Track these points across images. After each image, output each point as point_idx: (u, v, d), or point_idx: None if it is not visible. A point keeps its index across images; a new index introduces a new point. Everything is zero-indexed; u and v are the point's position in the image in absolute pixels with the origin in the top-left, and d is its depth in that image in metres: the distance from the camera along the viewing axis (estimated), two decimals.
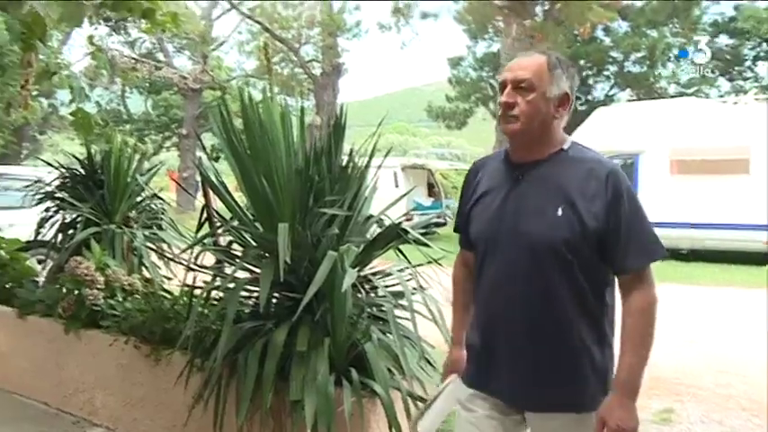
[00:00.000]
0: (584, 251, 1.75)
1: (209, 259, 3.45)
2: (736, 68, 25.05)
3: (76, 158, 5.54)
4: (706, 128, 12.39)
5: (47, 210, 5.28)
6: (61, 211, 5.21)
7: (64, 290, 4.15)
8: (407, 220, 4.27)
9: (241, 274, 3.13)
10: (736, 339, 6.42)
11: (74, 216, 5.11)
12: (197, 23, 23.69)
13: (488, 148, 18.75)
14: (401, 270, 3.19)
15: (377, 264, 3.34)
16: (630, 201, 1.76)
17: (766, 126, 11.55)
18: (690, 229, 12.06)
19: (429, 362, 3.03)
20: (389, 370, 2.87)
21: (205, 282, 3.26)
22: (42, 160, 6.88)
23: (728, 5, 28.50)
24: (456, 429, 2.02)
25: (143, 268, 4.84)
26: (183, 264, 3.48)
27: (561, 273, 1.76)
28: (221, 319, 3.02)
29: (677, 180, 12.34)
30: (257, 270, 3.10)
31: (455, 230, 2.11)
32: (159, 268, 4.84)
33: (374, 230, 3.33)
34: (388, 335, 2.98)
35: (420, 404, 2.62)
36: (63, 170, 5.40)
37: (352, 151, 3.27)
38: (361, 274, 3.10)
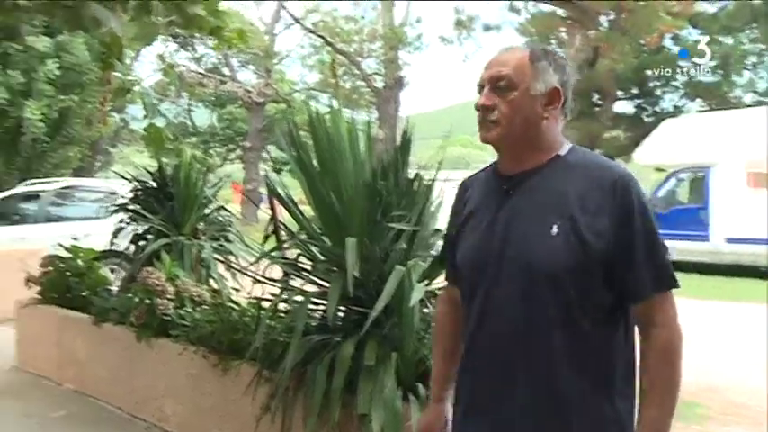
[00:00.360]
0: (587, 278, 1.43)
1: (275, 271, 3.49)
2: None
3: (148, 171, 5.73)
4: None
5: (120, 221, 5.48)
6: (133, 223, 5.39)
7: (136, 299, 4.27)
8: None
9: (309, 288, 3.16)
10: None
11: (145, 227, 5.28)
12: (261, 39, 24.24)
13: None
14: None
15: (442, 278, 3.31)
16: (644, 213, 1.45)
17: None
18: None
19: None
20: None
21: (272, 294, 3.30)
22: (115, 173, 7.15)
23: None
24: None
25: (210, 279, 4.94)
26: (250, 276, 3.54)
27: (559, 307, 1.44)
28: (289, 331, 3.05)
29: (754, 194, 11.82)
30: (325, 283, 3.12)
31: (440, 262, 1.91)
32: (226, 279, 4.93)
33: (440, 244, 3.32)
34: None
35: None
36: (136, 183, 5.59)
37: (418, 166, 3.27)
38: (428, 288, 3.08)
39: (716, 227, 12.06)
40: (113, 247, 5.48)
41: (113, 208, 5.88)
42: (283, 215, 3.70)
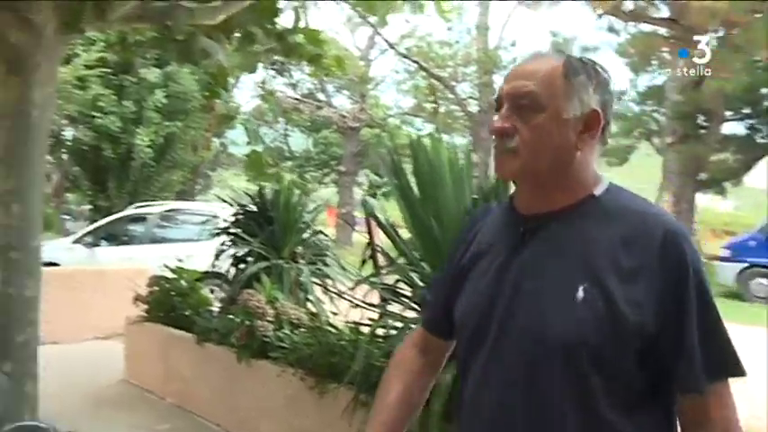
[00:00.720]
0: (617, 361, 1.09)
1: (373, 295, 3.49)
2: None
3: (248, 195, 5.91)
4: None
5: (222, 243, 5.67)
6: (234, 246, 5.57)
7: (237, 320, 4.39)
8: None
9: (408, 314, 3.14)
10: None
11: (246, 250, 5.44)
12: (357, 64, 24.74)
13: (652, 185, 17.71)
14: None
15: None
16: (701, 282, 1.11)
17: None
18: None
19: None
20: None
21: (371, 319, 3.30)
22: (216, 196, 7.44)
23: None
24: None
25: (308, 302, 5.01)
26: (349, 300, 3.55)
27: (577, 394, 1.10)
28: (387, 356, 3.02)
29: None
30: None
31: (421, 301, 1.49)
32: (324, 303, 4.99)
33: None
34: None
35: None
36: (237, 207, 5.78)
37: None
38: None
39: None
40: (215, 269, 5.67)
41: (215, 231, 6.10)
42: (380, 239, 3.71)
